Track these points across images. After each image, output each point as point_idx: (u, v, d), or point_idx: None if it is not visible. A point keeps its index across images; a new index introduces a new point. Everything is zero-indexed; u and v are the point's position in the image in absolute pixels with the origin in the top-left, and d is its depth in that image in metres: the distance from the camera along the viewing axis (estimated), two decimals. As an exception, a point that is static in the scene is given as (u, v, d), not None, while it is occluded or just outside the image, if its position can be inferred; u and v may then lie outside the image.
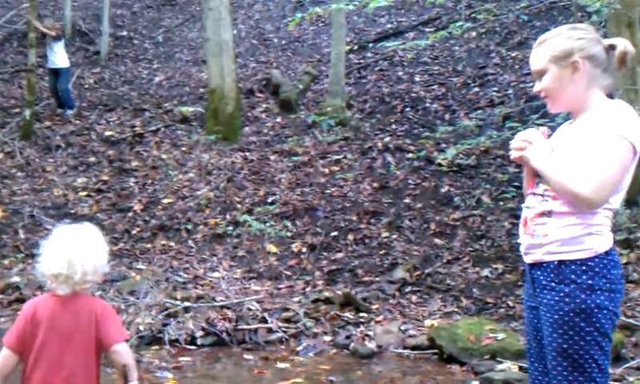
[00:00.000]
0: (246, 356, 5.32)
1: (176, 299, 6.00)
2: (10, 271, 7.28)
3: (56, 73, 11.66)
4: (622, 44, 2.33)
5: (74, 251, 2.50)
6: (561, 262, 2.26)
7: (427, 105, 10.47)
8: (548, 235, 2.29)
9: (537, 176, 2.36)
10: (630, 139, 2.20)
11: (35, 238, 7.98)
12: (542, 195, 2.33)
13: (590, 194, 2.18)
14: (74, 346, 2.45)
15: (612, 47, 2.33)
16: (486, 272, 6.68)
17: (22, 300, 5.82)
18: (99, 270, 2.56)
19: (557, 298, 2.26)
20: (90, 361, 2.48)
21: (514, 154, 2.40)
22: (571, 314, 2.23)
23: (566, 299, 2.24)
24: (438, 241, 7.36)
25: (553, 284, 2.27)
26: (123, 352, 2.51)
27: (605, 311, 2.23)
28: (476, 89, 10.56)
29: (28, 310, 2.53)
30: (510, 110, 9.10)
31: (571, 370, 2.25)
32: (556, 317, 2.25)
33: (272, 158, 9.56)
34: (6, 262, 7.62)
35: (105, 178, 9.53)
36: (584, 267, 2.23)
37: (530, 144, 2.35)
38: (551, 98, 2.37)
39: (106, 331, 2.49)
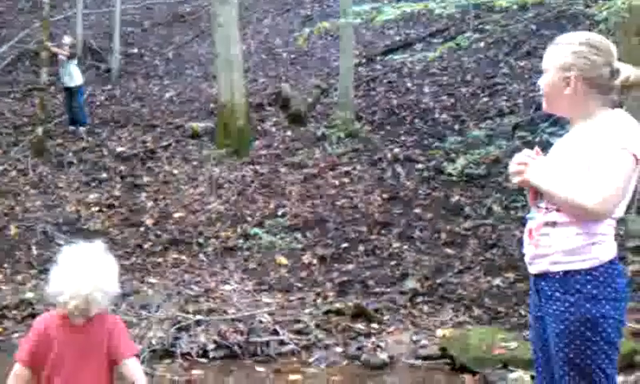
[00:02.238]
0: (257, 368, 5.32)
1: (188, 312, 6.02)
2: (23, 287, 7.33)
3: (70, 91, 11.80)
4: (627, 72, 2.33)
5: (88, 286, 2.46)
6: (566, 273, 2.26)
7: (436, 115, 10.48)
8: (552, 245, 2.30)
9: (538, 192, 2.37)
10: (632, 150, 2.22)
11: (48, 253, 8.04)
12: (545, 208, 2.34)
13: (598, 206, 2.20)
14: (89, 362, 2.47)
15: (617, 71, 2.33)
16: (497, 281, 6.66)
17: (34, 315, 5.83)
18: (112, 296, 2.57)
19: (562, 309, 2.26)
20: (104, 377, 2.50)
21: (514, 179, 2.42)
22: (577, 324, 2.23)
23: (572, 309, 2.24)
24: (448, 250, 7.35)
25: (558, 294, 2.27)
26: (133, 367, 2.52)
27: (611, 320, 2.23)
28: (485, 99, 10.56)
29: (39, 326, 2.54)
30: (519, 120, 9.10)
31: (579, 380, 2.25)
32: (562, 327, 2.26)
33: (282, 170, 9.59)
34: (19, 277, 7.68)
35: (117, 193, 9.61)
36: (589, 277, 2.24)
37: (526, 166, 2.37)
38: (546, 99, 2.45)
39: (115, 346, 2.50)
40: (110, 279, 2.55)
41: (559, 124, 8.22)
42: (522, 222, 7.59)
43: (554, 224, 2.30)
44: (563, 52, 2.34)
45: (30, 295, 6.90)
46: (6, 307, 6.78)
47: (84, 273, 2.49)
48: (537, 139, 7.91)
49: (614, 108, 2.36)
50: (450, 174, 8.55)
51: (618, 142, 2.21)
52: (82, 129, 11.69)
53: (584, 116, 2.34)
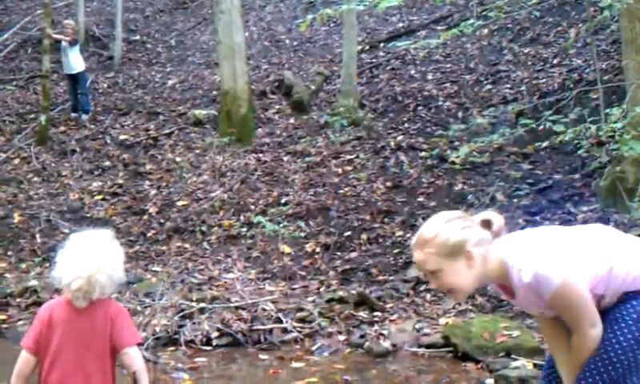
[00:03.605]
0: (261, 356, 5.34)
1: (191, 300, 6.04)
2: (27, 275, 7.36)
3: (73, 78, 11.79)
4: (495, 218, 2.39)
5: (92, 267, 2.50)
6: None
7: (440, 103, 10.45)
8: None
9: None
10: (563, 276, 2.23)
11: (52, 241, 8.07)
12: None
13: (590, 329, 2.27)
14: (91, 349, 2.48)
15: (487, 223, 2.37)
16: (500, 270, 6.65)
17: (39, 303, 5.86)
18: (117, 281, 2.59)
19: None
20: (106, 364, 2.51)
21: None
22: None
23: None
24: (452, 239, 7.34)
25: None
26: (134, 356, 2.53)
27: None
28: (489, 86, 10.52)
29: (44, 313, 2.56)
30: (523, 107, 9.05)
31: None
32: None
33: (285, 159, 9.59)
34: (23, 266, 7.72)
35: (120, 181, 9.62)
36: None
37: None
38: (455, 292, 2.38)
39: (118, 335, 2.51)
40: (114, 264, 2.57)
41: (562, 112, 8.19)
42: (526, 210, 7.58)
43: None
44: (441, 242, 2.30)
45: (34, 283, 6.94)
46: (10, 295, 6.82)
47: (89, 255, 2.52)
48: (540, 127, 7.89)
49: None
50: (453, 162, 8.53)
51: (553, 281, 2.23)
52: (84, 117, 11.69)
53: (501, 272, 2.34)
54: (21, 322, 6.21)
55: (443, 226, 2.33)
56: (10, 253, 8.10)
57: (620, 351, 2.26)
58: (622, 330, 2.27)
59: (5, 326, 6.22)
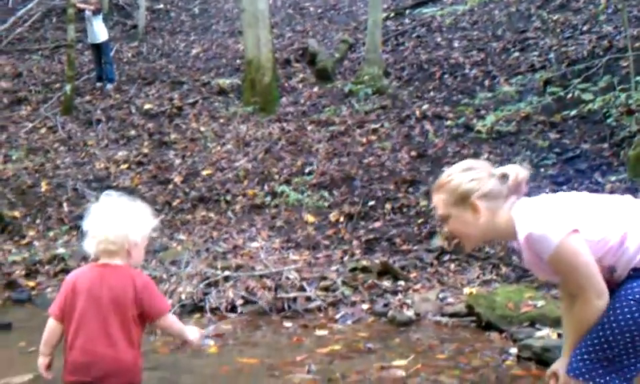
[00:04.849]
0: (285, 324, 5.38)
1: (216, 269, 6.09)
2: (55, 243, 7.48)
3: (97, 47, 11.84)
4: (514, 172, 2.35)
5: (120, 223, 2.56)
6: None
7: (466, 71, 10.30)
8: None
9: None
10: (561, 236, 2.18)
11: (79, 210, 8.18)
12: None
13: (596, 300, 2.20)
14: (115, 315, 2.51)
15: (504, 176, 2.34)
16: (525, 240, 6.59)
17: (67, 271, 5.97)
18: (142, 244, 2.63)
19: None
20: (131, 330, 2.54)
21: None
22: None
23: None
24: (476, 209, 7.28)
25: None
26: (171, 321, 2.60)
27: None
28: (516, 54, 10.33)
29: (69, 280, 2.60)
30: (551, 75, 8.90)
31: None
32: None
33: (309, 128, 9.55)
34: (51, 234, 7.84)
35: (145, 150, 9.68)
36: None
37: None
38: (463, 239, 2.41)
39: (150, 305, 2.55)
40: (140, 226, 2.61)
41: (591, 80, 8.03)
42: (552, 179, 7.49)
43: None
44: (451, 189, 2.32)
45: (62, 251, 7.05)
46: (39, 262, 6.94)
47: (116, 215, 2.57)
48: (568, 95, 7.75)
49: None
50: (479, 131, 8.43)
51: (551, 240, 2.18)
52: (109, 86, 11.75)
53: (509, 231, 2.31)
54: (49, 289, 6.32)
55: (457, 174, 2.35)
56: (38, 221, 8.23)
57: (618, 331, 2.17)
58: (622, 310, 2.19)
59: (34, 293, 6.35)
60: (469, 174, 2.33)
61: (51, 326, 2.59)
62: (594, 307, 2.20)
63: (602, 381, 2.21)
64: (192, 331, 2.72)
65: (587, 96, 7.45)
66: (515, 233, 2.27)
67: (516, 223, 2.27)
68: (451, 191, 2.32)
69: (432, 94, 9.93)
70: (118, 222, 2.56)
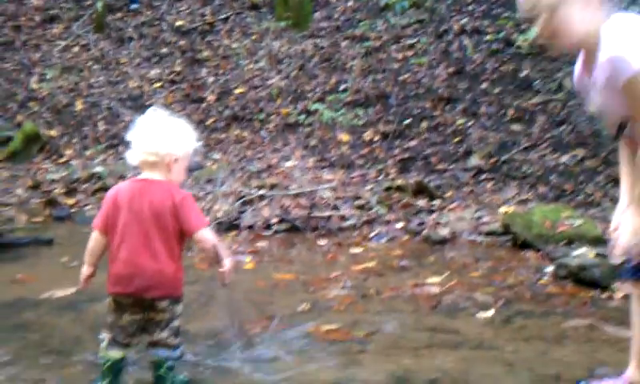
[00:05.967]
0: (319, 242, 5.42)
1: (251, 188, 6.12)
2: (92, 162, 7.58)
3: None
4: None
5: (162, 136, 2.60)
6: None
7: (507, -17, 9.88)
8: None
9: None
10: None
11: (114, 129, 8.23)
12: None
13: None
14: (156, 228, 2.55)
15: None
16: (564, 158, 6.46)
17: (105, 189, 6.06)
18: (184, 156, 2.65)
19: None
20: (172, 243, 2.57)
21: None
22: None
23: None
24: (515, 127, 7.13)
25: None
26: (208, 236, 2.60)
27: None
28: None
29: (110, 195, 2.65)
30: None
31: None
32: None
33: (343, 44, 9.35)
34: (87, 152, 7.93)
35: (178, 68, 9.62)
36: None
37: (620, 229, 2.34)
38: (560, 38, 2.33)
39: (187, 220, 2.57)
40: (182, 143, 2.65)
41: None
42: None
43: None
44: None
45: (99, 169, 7.14)
46: (77, 180, 7.06)
47: (159, 129, 2.62)
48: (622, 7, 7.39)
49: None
50: (519, 47, 8.15)
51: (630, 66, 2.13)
52: (133, 5, 11.60)
53: (594, 41, 2.25)
54: (88, 207, 6.44)
55: None
56: (74, 140, 8.33)
57: None
58: None
59: (73, 210, 6.47)
60: None
61: (94, 237, 2.65)
62: None
63: None
64: (227, 255, 2.66)
65: None
66: (597, 48, 2.25)
67: (602, 41, 2.23)
68: None
69: (471, 7, 9.57)
70: (161, 135, 2.60)
